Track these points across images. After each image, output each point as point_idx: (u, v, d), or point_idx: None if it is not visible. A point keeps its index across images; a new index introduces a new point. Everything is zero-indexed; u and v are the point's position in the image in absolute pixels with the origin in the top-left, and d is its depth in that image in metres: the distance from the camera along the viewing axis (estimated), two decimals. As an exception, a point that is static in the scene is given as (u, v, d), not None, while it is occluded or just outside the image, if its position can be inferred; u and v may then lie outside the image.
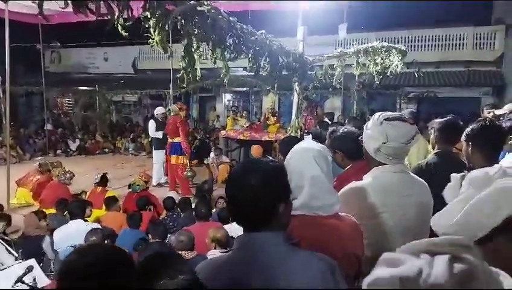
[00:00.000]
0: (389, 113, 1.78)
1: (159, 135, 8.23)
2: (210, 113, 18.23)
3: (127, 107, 19.91)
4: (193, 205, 5.00)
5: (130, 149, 13.70)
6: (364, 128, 1.87)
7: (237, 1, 6.15)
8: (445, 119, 2.97)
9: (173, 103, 12.26)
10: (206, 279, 1.17)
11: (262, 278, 1.09)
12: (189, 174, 7.50)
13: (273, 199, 1.15)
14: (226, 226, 3.99)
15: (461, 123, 2.83)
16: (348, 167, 2.23)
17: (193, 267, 1.13)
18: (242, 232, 1.22)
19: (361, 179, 2.11)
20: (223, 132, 10.01)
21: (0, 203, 4.90)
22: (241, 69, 13.58)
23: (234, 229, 3.85)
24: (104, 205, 5.59)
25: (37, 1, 1.74)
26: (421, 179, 1.90)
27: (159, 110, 8.59)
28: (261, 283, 1.09)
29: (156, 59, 17.95)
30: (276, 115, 9.55)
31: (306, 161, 1.44)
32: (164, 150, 8.35)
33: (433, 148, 2.93)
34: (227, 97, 18.55)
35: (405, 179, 1.79)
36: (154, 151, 8.52)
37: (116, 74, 18.85)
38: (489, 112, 4.23)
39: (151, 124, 8.33)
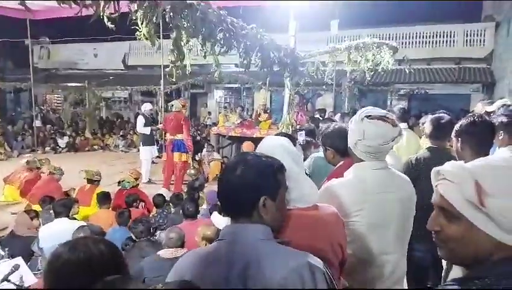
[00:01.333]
0: (372, 111, 1.75)
1: (147, 130, 8.22)
2: (201, 109, 18.16)
3: (117, 103, 19.73)
4: (183, 202, 4.95)
5: (120, 146, 13.58)
6: (349, 123, 1.86)
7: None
8: (436, 115, 2.98)
9: (164, 100, 12.24)
10: (187, 270, 1.17)
11: (237, 270, 1.09)
12: (192, 172, 7.36)
13: (251, 191, 1.17)
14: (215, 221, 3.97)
15: (452, 119, 2.84)
16: (339, 163, 2.20)
17: None
18: None
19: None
20: (214, 129, 9.95)
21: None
22: (233, 65, 13.50)
23: (223, 224, 3.83)
24: (95, 202, 5.52)
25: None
26: (403, 175, 1.89)
27: (146, 107, 8.60)
28: (236, 276, 1.09)
29: (147, 55, 17.81)
30: (268, 111, 9.56)
31: (280, 156, 1.41)
32: (151, 147, 8.33)
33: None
34: (218, 94, 18.48)
35: (385, 175, 1.77)
36: (141, 148, 8.47)
37: (106, 70, 18.69)
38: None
39: (140, 120, 8.33)
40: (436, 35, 14.22)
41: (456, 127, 2.27)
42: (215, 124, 11.96)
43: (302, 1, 5.31)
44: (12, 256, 3.51)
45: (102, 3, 1.74)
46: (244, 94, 17.73)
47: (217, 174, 8.69)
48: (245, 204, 1.17)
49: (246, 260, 1.09)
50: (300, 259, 1.12)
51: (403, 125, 4.26)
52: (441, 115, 2.97)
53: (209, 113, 16.93)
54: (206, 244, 3.47)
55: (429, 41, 14.35)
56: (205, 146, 9.30)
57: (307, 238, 1.34)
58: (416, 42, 14.51)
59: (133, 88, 16.63)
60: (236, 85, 16.07)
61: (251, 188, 1.16)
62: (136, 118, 11.37)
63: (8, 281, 2.82)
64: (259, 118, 9.24)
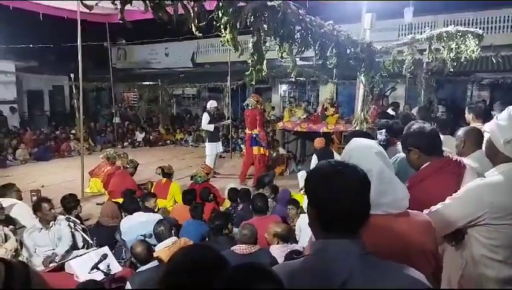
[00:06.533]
0: None
1: (211, 128, 8.40)
2: (266, 104, 18.24)
3: (187, 100, 20.58)
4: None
5: (190, 141, 14.16)
6: (494, 119, 1.75)
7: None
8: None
9: (230, 96, 12.44)
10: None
11: (335, 286, 1.02)
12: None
13: (368, 208, 1.11)
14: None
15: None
16: (426, 164, 2.05)
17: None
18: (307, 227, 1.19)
19: (442, 177, 1.95)
20: (279, 124, 9.90)
21: (72, 193, 5.27)
22: (298, 58, 13.31)
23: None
24: (171, 195, 5.86)
25: (118, 7, 1.77)
26: None
27: (211, 104, 8.78)
28: None
29: (214, 52, 18.31)
30: (335, 105, 9.25)
31: (370, 158, 1.38)
32: (216, 143, 8.55)
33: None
34: (283, 88, 18.43)
35: None
36: (206, 144, 8.72)
37: (176, 68, 19.52)
38: None
39: (205, 117, 8.54)
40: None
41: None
42: (279, 119, 11.90)
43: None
44: (99, 245, 3.83)
45: (192, 14, 1.79)
46: (309, 87, 17.46)
47: (282, 170, 8.69)
48: (362, 220, 1.09)
49: (345, 276, 1.03)
50: (404, 274, 1.06)
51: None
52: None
53: (273, 108, 16.95)
54: (278, 242, 3.48)
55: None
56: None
57: (400, 246, 1.29)
58: (500, 27, 13.13)
59: (201, 85, 17.18)
60: (301, 78, 15.87)
61: (369, 205, 1.11)
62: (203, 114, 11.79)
63: (98, 268, 3.07)
64: (325, 112, 8.98)
